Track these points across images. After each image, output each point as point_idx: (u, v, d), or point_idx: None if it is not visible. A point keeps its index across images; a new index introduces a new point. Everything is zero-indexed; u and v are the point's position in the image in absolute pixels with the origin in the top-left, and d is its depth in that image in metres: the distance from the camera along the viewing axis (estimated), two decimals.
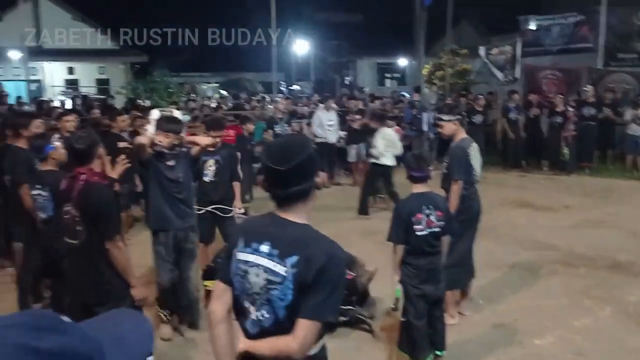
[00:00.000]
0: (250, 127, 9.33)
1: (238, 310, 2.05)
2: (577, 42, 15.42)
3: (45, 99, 17.51)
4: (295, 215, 1.99)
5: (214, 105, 15.56)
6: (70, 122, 6.32)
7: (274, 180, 1.95)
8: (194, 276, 4.82)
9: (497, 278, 6.03)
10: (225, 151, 5.88)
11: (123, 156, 4.31)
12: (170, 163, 4.51)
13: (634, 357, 4.38)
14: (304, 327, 1.87)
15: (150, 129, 4.51)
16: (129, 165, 4.35)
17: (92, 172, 3.61)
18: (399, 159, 8.65)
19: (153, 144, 4.42)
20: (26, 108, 11.90)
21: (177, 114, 5.10)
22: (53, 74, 23.98)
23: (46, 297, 4.90)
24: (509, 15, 17.23)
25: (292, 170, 1.90)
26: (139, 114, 9.50)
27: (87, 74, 25.23)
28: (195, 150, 4.76)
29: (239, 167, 6.04)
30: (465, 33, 25.24)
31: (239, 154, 6.21)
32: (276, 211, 2.03)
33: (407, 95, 18.04)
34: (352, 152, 11.32)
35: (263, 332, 1.97)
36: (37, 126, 5.32)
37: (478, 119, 12.20)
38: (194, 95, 20.27)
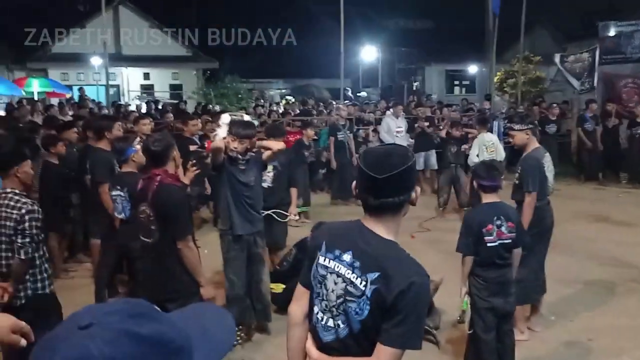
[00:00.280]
0: (310, 132, 9.39)
1: (312, 314, 2.02)
2: None
3: (122, 103, 18.40)
4: (383, 229, 1.90)
5: (281, 111, 15.81)
6: (147, 126, 6.59)
7: (369, 188, 1.85)
8: (266, 280, 4.80)
9: (571, 294, 5.78)
10: (283, 157, 5.84)
11: (193, 162, 4.45)
12: (243, 167, 4.51)
13: None
14: (387, 355, 1.79)
15: (221, 132, 4.57)
16: (199, 171, 4.49)
17: (167, 173, 3.75)
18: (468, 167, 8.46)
19: (227, 149, 4.44)
20: (105, 111, 12.51)
21: (246, 118, 5.16)
22: (130, 79, 25.12)
23: (120, 292, 5.11)
24: (587, 21, 16.59)
25: (389, 180, 1.79)
26: (209, 118, 9.79)
27: (161, 80, 26.26)
28: (267, 154, 4.74)
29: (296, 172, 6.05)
30: (539, 39, 24.41)
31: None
32: (364, 220, 1.94)
33: (476, 103, 17.66)
34: (420, 160, 11.18)
35: (337, 341, 1.91)
36: (118, 129, 5.57)
37: (552, 128, 11.77)
38: (262, 100, 20.65)
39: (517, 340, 4.14)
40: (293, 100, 21.44)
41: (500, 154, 8.18)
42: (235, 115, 4.98)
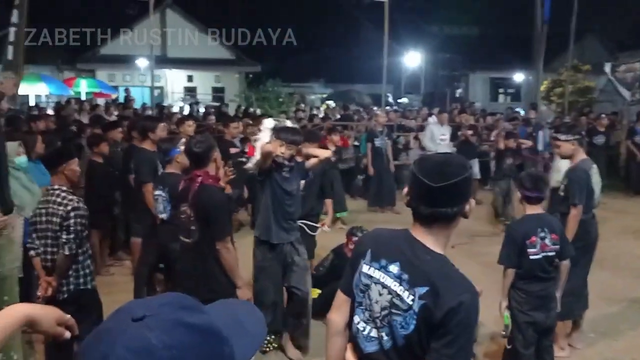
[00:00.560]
0: (335, 139, 9.27)
1: (352, 323, 1.96)
2: None
3: (165, 104, 18.79)
4: (433, 240, 1.84)
5: (321, 115, 15.84)
6: (190, 127, 6.70)
7: (422, 196, 1.80)
8: (306, 290, 4.53)
9: (615, 312, 5.58)
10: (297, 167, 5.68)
11: (231, 166, 4.43)
12: (287, 174, 4.34)
13: None
14: None
15: (264, 137, 4.53)
16: (234, 176, 4.47)
17: (208, 174, 3.80)
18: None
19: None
20: (148, 112, 12.80)
21: (288, 123, 5.11)
22: (174, 81, 25.65)
23: (158, 291, 5.20)
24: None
25: (444, 189, 1.74)
26: (249, 121, 9.88)
27: (204, 82, 26.71)
28: (312, 162, 4.58)
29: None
30: (589, 48, 23.76)
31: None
32: (412, 230, 1.87)
33: (521, 112, 17.31)
34: None
35: (381, 353, 1.86)
36: (162, 130, 5.68)
37: (600, 140, 11.44)
38: (302, 105, 20.75)
39: (557, 356, 4.05)
40: (334, 105, 21.46)
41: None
42: (278, 120, 4.92)
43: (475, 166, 11.04)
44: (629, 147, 11.71)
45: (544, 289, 3.70)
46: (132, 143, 6.44)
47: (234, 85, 25.14)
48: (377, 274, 1.86)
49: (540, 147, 11.68)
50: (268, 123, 4.60)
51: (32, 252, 3.79)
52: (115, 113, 12.52)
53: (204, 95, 25.57)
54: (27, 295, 4.01)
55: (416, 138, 12.02)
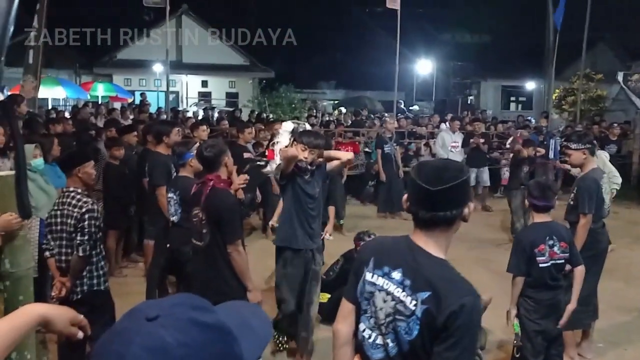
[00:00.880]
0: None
1: (358, 330, 1.97)
2: None
3: (180, 109, 18.94)
4: (433, 244, 1.86)
5: (334, 121, 15.87)
6: (204, 132, 6.78)
7: (421, 200, 1.82)
8: (316, 301, 4.51)
9: (626, 322, 5.54)
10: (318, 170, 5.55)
11: (246, 171, 4.42)
12: (309, 178, 4.24)
13: None
14: None
15: (283, 140, 4.42)
16: (244, 184, 4.46)
17: (219, 178, 3.85)
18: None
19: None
20: (163, 117, 12.92)
21: (308, 126, 4.99)
22: (189, 86, 25.86)
23: (170, 293, 5.25)
24: None
25: (442, 192, 1.76)
26: (261, 126, 9.95)
27: (218, 87, 26.90)
28: (334, 165, 4.48)
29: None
30: (601, 57, 23.64)
31: None
32: (413, 236, 1.90)
33: (532, 120, 17.25)
34: (472, 175, 11.02)
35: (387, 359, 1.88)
36: (176, 134, 5.75)
37: (612, 149, 11.36)
38: (314, 110, 20.84)
39: None
40: (345, 111, 21.53)
41: (618, 180, 7.35)
42: (297, 123, 4.85)
43: (485, 173, 11.03)
44: None
45: (553, 297, 3.70)
46: (147, 147, 6.53)
47: (248, 91, 25.28)
48: (381, 281, 1.88)
49: (551, 155, 11.64)
50: (287, 126, 4.52)
51: (47, 253, 3.85)
52: (131, 117, 12.65)
53: (218, 101, 25.74)
54: (41, 295, 4.09)
55: (427, 145, 12.03)
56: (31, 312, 1.34)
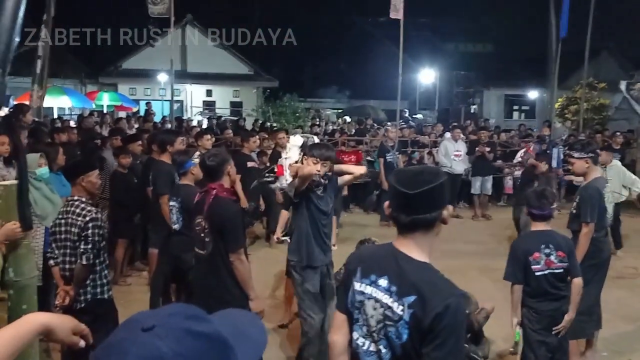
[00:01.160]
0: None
1: (352, 339, 2.03)
2: None
3: (184, 118, 19.02)
4: (415, 248, 1.92)
5: (337, 129, 15.91)
6: (209, 141, 6.81)
7: (401, 204, 1.90)
8: (331, 315, 4.36)
9: (631, 331, 5.52)
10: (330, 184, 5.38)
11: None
12: (321, 193, 4.16)
13: None
14: None
15: (293, 155, 4.42)
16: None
17: (222, 187, 3.87)
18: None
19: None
20: (167, 126, 12.98)
21: (316, 139, 4.91)
22: (193, 96, 25.98)
23: (173, 301, 5.26)
24: None
25: (420, 195, 1.84)
26: (265, 135, 10.00)
27: (223, 97, 27.01)
28: (346, 179, 4.40)
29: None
30: (604, 66, 23.66)
31: None
32: (396, 243, 1.96)
33: (535, 129, 17.26)
34: (477, 184, 11.02)
35: None
36: (180, 143, 5.80)
37: (615, 158, 11.29)
38: (317, 119, 20.89)
39: None
40: (349, 120, 21.58)
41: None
42: (306, 137, 4.79)
43: (489, 182, 11.05)
44: None
45: (556, 309, 3.69)
46: (151, 156, 6.57)
47: (252, 100, 25.39)
48: (369, 290, 1.95)
49: (554, 164, 11.63)
50: (297, 140, 4.53)
51: (51, 262, 3.86)
52: (136, 126, 12.72)
53: (223, 110, 25.84)
54: (46, 303, 4.11)
55: (430, 154, 12.05)
56: (33, 321, 1.35)
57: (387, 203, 1.97)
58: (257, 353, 1.00)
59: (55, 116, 15.87)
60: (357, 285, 1.98)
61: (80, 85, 23.15)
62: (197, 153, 4.94)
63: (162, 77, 22.29)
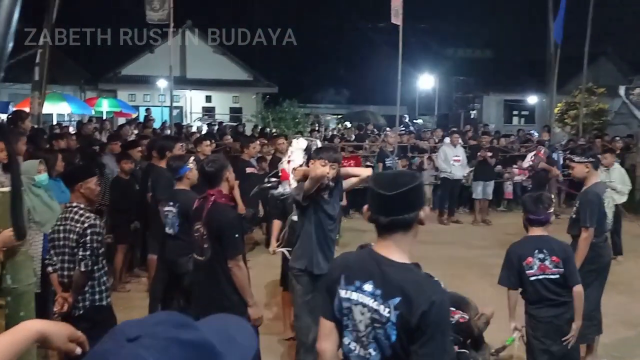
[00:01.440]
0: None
1: (343, 344, 2.06)
2: None
3: (184, 124, 19.03)
4: (395, 250, 1.96)
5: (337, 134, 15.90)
6: (208, 147, 6.82)
7: (379, 206, 1.96)
8: None
9: (631, 336, 5.51)
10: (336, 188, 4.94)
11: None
12: (328, 197, 4.04)
13: None
14: None
15: (297, 159, 4.34)
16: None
17: (221, 193, 3.86)
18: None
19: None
20: (167, 132, 12.99)
21: (319, 143, 4.83)
22: (193, 101, 26.00)
23: (173, 307, 5.24)
24: None
25: (397, 197, 1.90)
26: (264, 141, 10.00)
27: (222, 102, 27.02)
28: (352, 182, 4.27)
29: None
30: (603, 71, 23.72)
31: None
32: (376, 247, 2.01)
33: (535, 134, 17.27)
34: (478, 189, 11.02)
35: None
36: (179, 149, 5.80)
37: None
38: (317, 125, 20.90)
39: None
40: (349, 125, 21.60)
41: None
42: (309, 140, 4.73)
43: (490, 187, 11.04)
44: None
45: (556, 315, 3.65)
46: (151, 162, 6.57)
47: (251, 106, 25.38)
48: (355, 296, 1.98)
49: None
50: (301, 143, 4.44)
51: (49, 268, 3.85)
52: (135, 132, 12.73)
53: (222, 115, 25.85)
54: (44, 310, 4.09)
55: (429, 159, 12.05)
56: (30, 328, 1.35)
57: (366, 206, 2.03)
58: (245, 358, 0.99)
59: (55, 122, 15.87)
60: (343, 293, 2.02)
61: (79, 91, 23.16)
62: (192, 158, 4.94)
63: (162, 83, 22.29)
